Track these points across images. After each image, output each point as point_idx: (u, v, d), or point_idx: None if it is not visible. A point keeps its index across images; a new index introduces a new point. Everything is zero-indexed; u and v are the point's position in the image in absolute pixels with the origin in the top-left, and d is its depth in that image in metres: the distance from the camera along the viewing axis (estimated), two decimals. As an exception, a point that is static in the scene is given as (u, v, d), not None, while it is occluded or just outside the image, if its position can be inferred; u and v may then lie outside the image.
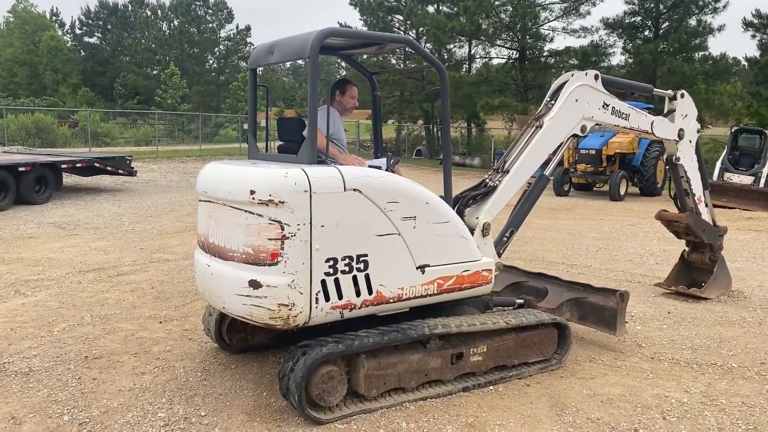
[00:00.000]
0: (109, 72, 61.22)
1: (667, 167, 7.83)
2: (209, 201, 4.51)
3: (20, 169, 13.27)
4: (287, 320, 4.04)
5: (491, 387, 4.74)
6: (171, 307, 6.72)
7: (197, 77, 60.53)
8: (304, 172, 4.01)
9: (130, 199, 15.68)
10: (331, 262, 4.11)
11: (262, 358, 5.21)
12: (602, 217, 14.42)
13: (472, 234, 5.12)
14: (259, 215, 4.04)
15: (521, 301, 5.55)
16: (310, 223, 4.00)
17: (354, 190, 4.15)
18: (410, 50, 5.16)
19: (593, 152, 18.79)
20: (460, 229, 4.77)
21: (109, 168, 16.20)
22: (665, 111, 7.05)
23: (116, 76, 58.93)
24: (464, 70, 35.73)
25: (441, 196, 4.87)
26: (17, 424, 4.07)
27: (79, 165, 15.22)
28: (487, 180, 5.59)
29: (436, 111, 35.70)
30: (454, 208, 5.27)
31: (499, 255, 5.49)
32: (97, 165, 15.59)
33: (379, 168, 4.87)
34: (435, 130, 39.76)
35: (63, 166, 14.60)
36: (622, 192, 18.21)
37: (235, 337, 5.24)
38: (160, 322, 6.18)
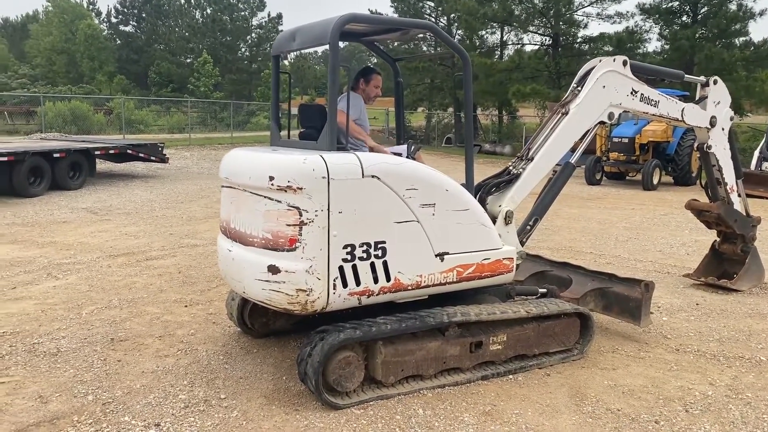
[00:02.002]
0: (144, 60, 62.01)
1: (698, 156, 7.64)
2: (231, 187, 4.55)
3: (55, 155, 13.56)
4: (305, 305, 4.06)
5: (510, 376, 4.72)
6: (197, 291, 6.82)
7: (230, 65, 60.97)
8: (323, 159, 4.02)
9: (162, 185, 15.92)
10: (349, 249, 4.11)
11: (283, 343, 5.26)
12: (634, 207, 14.18)
13: (495, 222, 5.09)
14: (278, 201, 4.06)
15: (544, 290, 5.50)
16: (328, 209, 4.01)
17: (372, 176, 4.15)
18: (433, 36, 5.11)
19: (626, 140, 18.46)
20: (481, 216, 4.73)
21: (141, 155, 16.45)
22: (697, 98, 6.88)
23: (150, 64, 59.67)
24: (496, 56, 35.31)
25: (463, 184, 4.84)
26: (44, 402, 4.18)
27: (112, 152, 15.49)
28: (510, 167, 5.53)
29: (467, 98, 35.45)
30: (476, 196, 5.23)
31: (522, 243, 5.43)
32: (129, 152, 15.86)
33: (400, 155, 4.86)
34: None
35: (97, 152, 14.88)
36: (655, 181, 17.86)
37: (257, 321, 5.29)
38: (186, 306, 6.27)
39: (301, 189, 3.96)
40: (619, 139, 18.69)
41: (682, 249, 9.60)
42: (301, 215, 3.98)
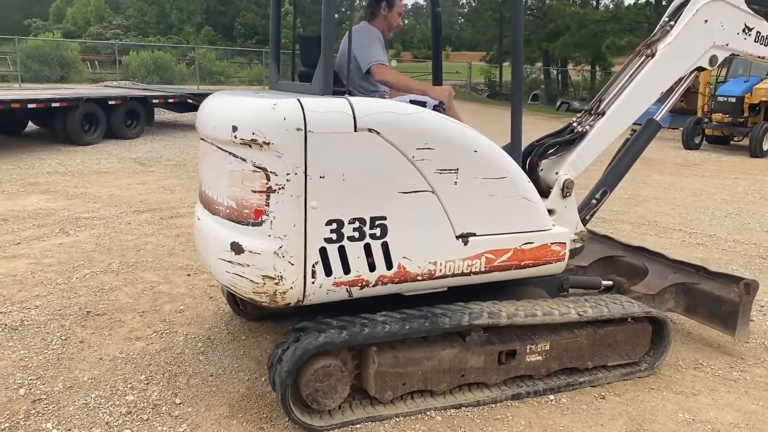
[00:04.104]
0: (230, 11, 62.10)
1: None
2: (203, 139, 3.62)
3: (110, 102, 13.16)
4: (274, 297, 3.11)
5: (551, 396, 3.62)
6: (208, 257, 6.03)
7: (313, 17, 60.20)
8: (299, 104, 2.99)
9: (222, 136, 15.35)
10: (335, 226, 3.10)
11: (280, 329, 4.36)
12: (737, 176, 12.34)
13: (549, 194, 3.96)
14: (242, 159, 3.09)
15: (609, 282, 4.32)
16: (305, 172, 3.00)
17: (369, 130, 3.09)
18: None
19: (733, 100, 16.24)
20: (523, 187, 3.59)
21: (203, 104, 15.91)
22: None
23: (236, 15, 59.74)
24: (591, 5, 32.61)
25: (506, 146, 3.71)
26: (-29, 392, 3.48)
27: (171, 100, 15.00)
28: (574, 124, 4.32)
29: (557, 52, 33.19)
30: (526, 160, 4.11)
31: (585, 222, 4.27)
32: (190, 101, 15.32)
33: (424, 104, 3.75)
34: (556, 73, 37.16)
35: (154, 101, 14.42)
36: (765, 147, 15.68)
37: (250, 303, 4.40)
38: (188, 275, 5.49)
39: (268, 144, 2.96)
40: (725, 99, 16.48)
41: (794, 230, 7.99)
42: (268, 179, 3.00)
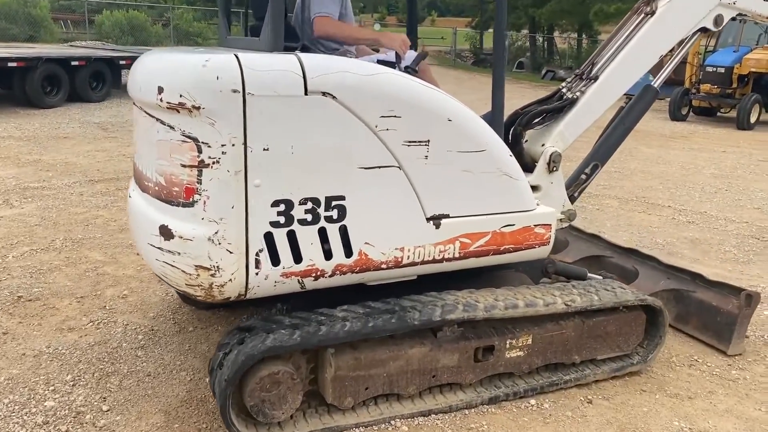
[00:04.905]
0: (211, -29, 60.28)
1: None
2: (134, 104, 3.10)
3: (73, 63, 12.41)
4: (210, 290, 2.63)
5: (532, 401, 3.21)
6: (163, 233, 5.52)
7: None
8: (236, 60, 2.48)
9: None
10: (282, 207, 2.62)
11: (234, 319, 3.91)
12: (725, 149, 11.97)
13: (533, 168, 3.51)
14: (170, 127, 2.58)
15: (598, 277, 3.89)
16: (244, 143, 2.50)
17: (323, 93, 2.59)
18: None
19: (722, 70, 15.77)
20: (504, 162, 3.12)
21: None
22: None
23: (217, -25, 58.00)
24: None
25: (486, 115, 3.24)
26: None
27: (139, 62, 14.21)
28: (563, 90, 3.85)
29: (543, 18, 32.46)
30: (509, 130, 3.66)
31: (573, 199, 3.84)
32: (160, 63, 14.53)
33: (393, 66, 3.25)
34: (542, 40, 36.48)
35: (121, 62, 13.65)
36: (752, 120, 15.31)
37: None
38: (138, 254, 4.98)
39: (198, 108, 2.46)
40: (714, 69, 16.01)
41: (788, 206, 7.64)
42: (199, 151, 2.50)
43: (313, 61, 2.61)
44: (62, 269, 4.62)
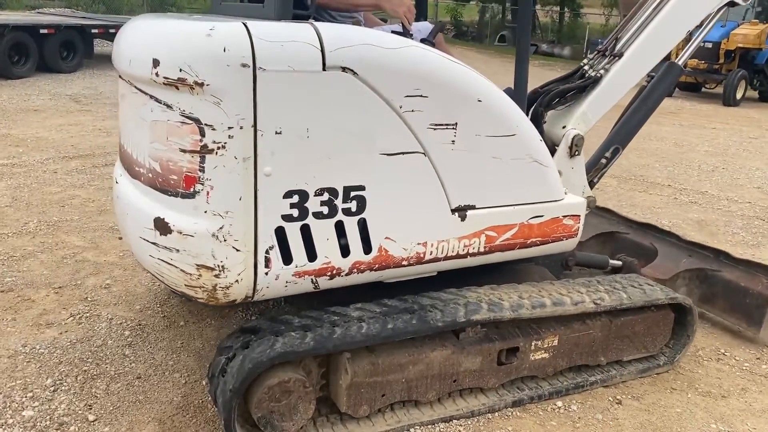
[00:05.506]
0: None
1: None
2: (121, 77, 2.74)
3: (42, 31, 11.75)
4: (213, 293, 2.33)
5: (558, 403, 2.98)
6: (146, 215, 5.16)
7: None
8: (246, 30, 2.15)
9: (171, 72, 14.09)
10: (296, 199, 2.32)
11: (228, 312, 3.61)
12: (714, 126, 11.85)
13: (553, 152, 3.24)
14: (167, 106, 2.25)
15: (618, 263, 3.66)
16: (254, 126, 2.18)
17: (343, 69, 2.27)
18: None
19: (710, 45, 15.63)
20: (535, 148, 2.84)
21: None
22: None
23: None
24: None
25: (507, 89, 2.95)
26: None
27: (112, 30, 13.56)
28: (585, 68, 3.56)
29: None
30: (528, 111, 3.37)
31: (592, 185, 3.59)
32: (134, 32, 13.89)
33: (410, 36, 2.93)
34: (522, 13, 35.95)
35: (94, 30, 13.00)
36: (738, 96, 15.24)
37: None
38: (120, 238, 4.63)
39: (201, 85, 2.13)
40: (702, 44, 15.87)
41: (786, 187, 7.51)
42: (202, 134, 2.17)
43: (332, 31, 2.29)
44: (37, 256, 4.26)
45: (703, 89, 16.87)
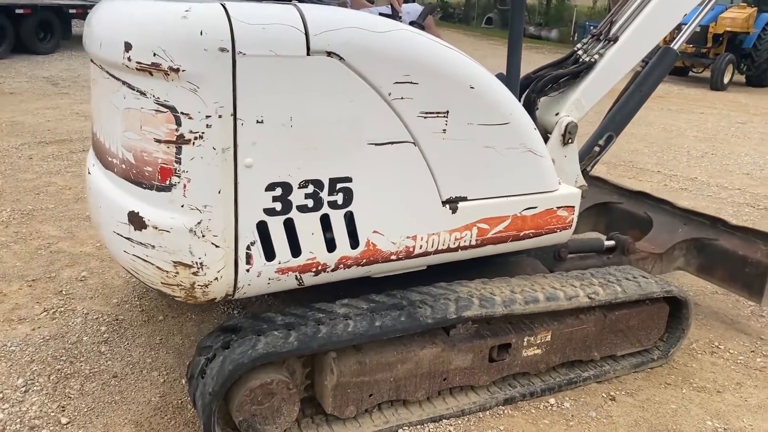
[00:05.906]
0: None
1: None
2: (92, 61, 2.58)
3: (17, 11, 11.42)
4: (191, 291, 2.20)
5: (551, 400, 2.90)
6: (125, 203, 5.00)
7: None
8: (224, 11, 2.00)
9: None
10: (279, 191, 2.19)
11: (208, 306, 3.48)
12: (702, 111, 11.80)
13: (546, 139, 3.13)
14: (141, 93, 2.10)
15: (611, 243, 3.56)
16: (234, 114, 2.04)
17: (328, 54, 2.14)
18: None
19: (698, 29, 15.55)
20: (529, 137, 2.72)
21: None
22: None
23: None
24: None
25: (500, 75, 2.83)
26: None
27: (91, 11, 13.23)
28: (579, 52, 3.45)
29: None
30: (520, 98, 3.25)
31: (585, 174, 3.49)
32: (114, 12, 13.57)
33: (399, 18, 2.79)
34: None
35: (72, 11, 12.65)
36: (726, 80, 15.20)
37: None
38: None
39: (176, 71, 1.98)
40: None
41: (775, 173, 7.47)
42: (178, 123, 2.03)
43: (316, 13, 2.14)
44: (10, 246, 4.10)
45: (691, 73, 16.83)
